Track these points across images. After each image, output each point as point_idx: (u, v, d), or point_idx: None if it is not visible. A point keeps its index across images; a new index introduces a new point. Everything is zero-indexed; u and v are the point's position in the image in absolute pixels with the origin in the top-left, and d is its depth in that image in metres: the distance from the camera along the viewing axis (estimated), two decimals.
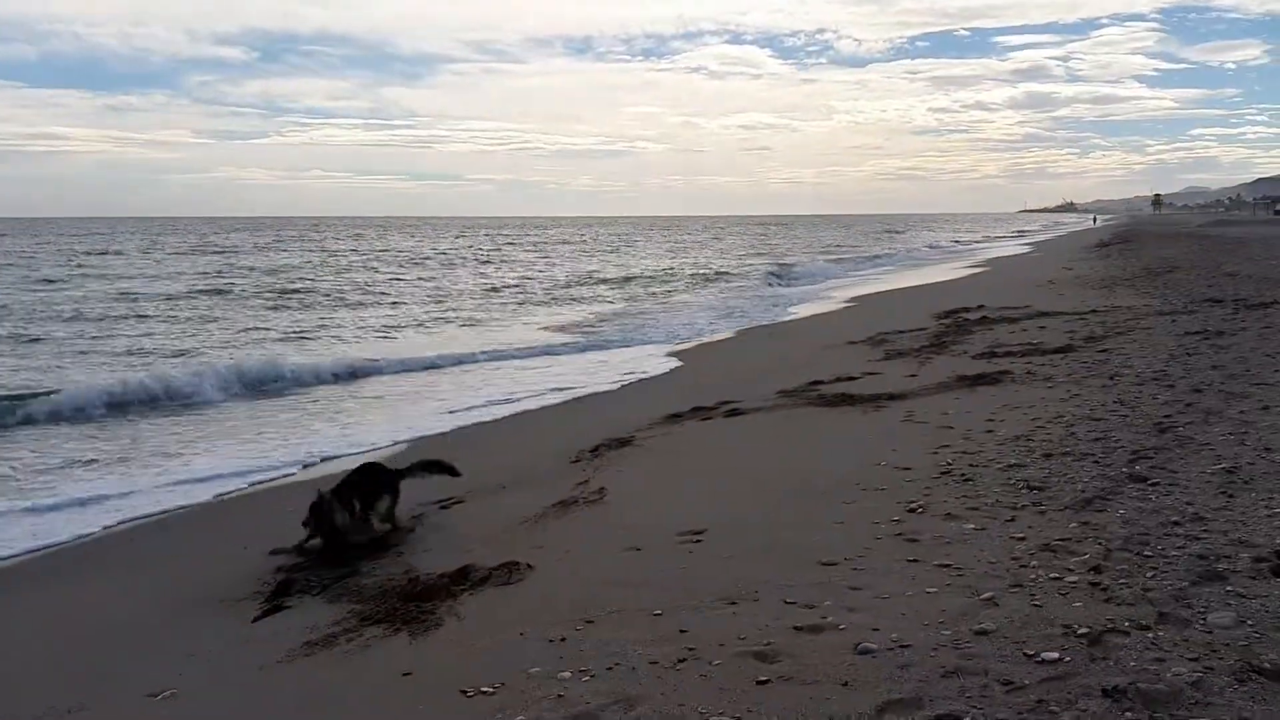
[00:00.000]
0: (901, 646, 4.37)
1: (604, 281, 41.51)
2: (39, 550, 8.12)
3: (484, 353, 19.71)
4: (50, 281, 42.15)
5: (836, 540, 5.93)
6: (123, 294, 35.30)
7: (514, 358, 19.37)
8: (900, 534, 5.95)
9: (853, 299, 29.82)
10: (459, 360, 18.90)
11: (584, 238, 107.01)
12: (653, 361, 18.02)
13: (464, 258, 62.84)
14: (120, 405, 14.38)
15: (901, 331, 17.21)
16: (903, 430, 9.04)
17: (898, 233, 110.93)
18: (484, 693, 4.34)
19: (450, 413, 13.59)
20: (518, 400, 14.30)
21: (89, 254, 68.09)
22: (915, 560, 5.47)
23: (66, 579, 7.47)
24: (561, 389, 15.14)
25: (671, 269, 49.74)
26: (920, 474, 7.30)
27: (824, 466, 7.96)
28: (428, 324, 26.76)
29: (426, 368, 18.16)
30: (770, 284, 38.88)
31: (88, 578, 7.44)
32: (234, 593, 6.46)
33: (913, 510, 6.41)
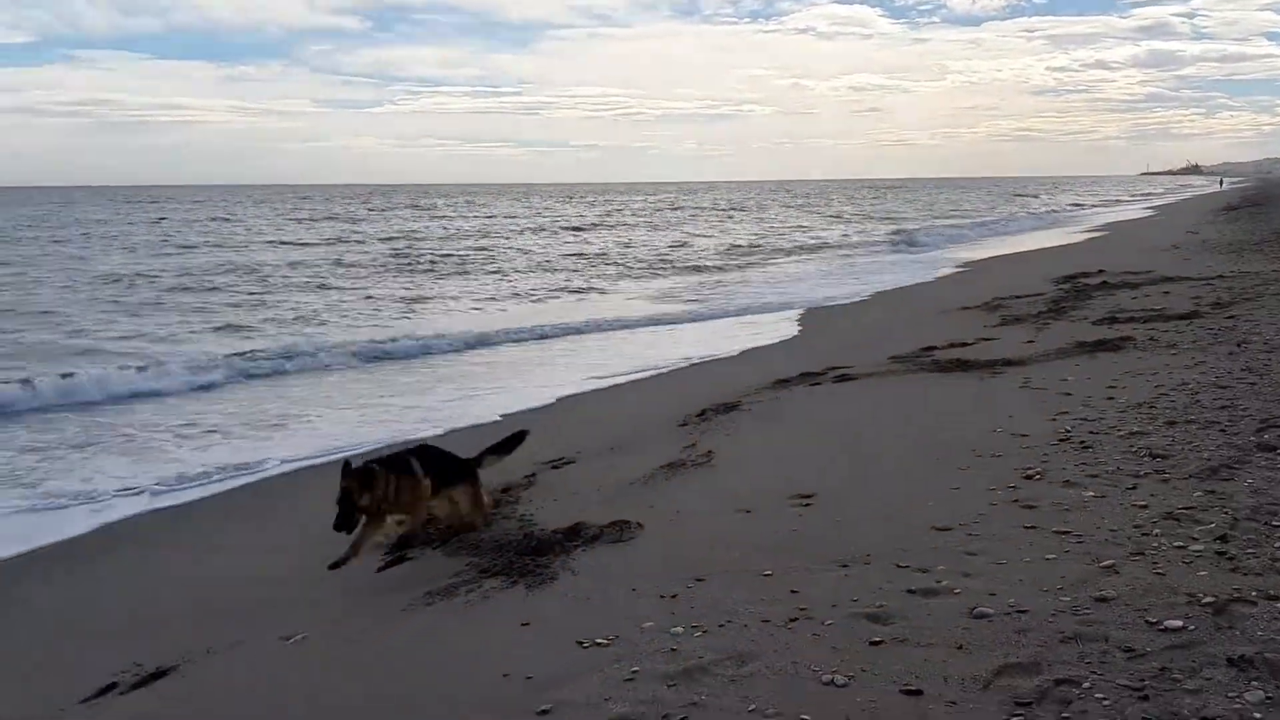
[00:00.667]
0: (1019, 612, 4.33)
1: (714, 248, 41.19)
2: (174, 507, 8.56)
3: (604, 320, 19.83)
4: (183, 247, 43.91)
5: (951, 506, 5.87)
6: (247, 261, 36.40)
7: (636, 326, 19.44)
8: (1017, 500, 5.86)
9: (969, 263, 29.21)
10: (580, 329, 19.01)
11: (691, 203, 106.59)
12: (772, 328, 17.94)
13: (575, 224, 63.09)
14: (243, 372, 14.86)
15: (1018, 297, 16.81)
16: (1019, 397, 8.86)
17: (1015, 196, 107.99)
18: (599, 644, 4.44)
19: (588, 378, 13.71)
20: (654, 369, 14.29)
21: (212, 220, 70.64)
22: (1033, 527, 5.39)
23: (202, 533, 7.87)
24: (683, 356, 15.12)
25: (784, 235, 49.27)
26: (1038, 440, 7.15)
27: (937, 432, 7.85)
28: (543, 292, 27.01)
29: (545, 336, 18.23)
30: (891, 249, 38.35)
31: (223, 531, 7.84)
32: None
33: (1030, 477, 6.30)
